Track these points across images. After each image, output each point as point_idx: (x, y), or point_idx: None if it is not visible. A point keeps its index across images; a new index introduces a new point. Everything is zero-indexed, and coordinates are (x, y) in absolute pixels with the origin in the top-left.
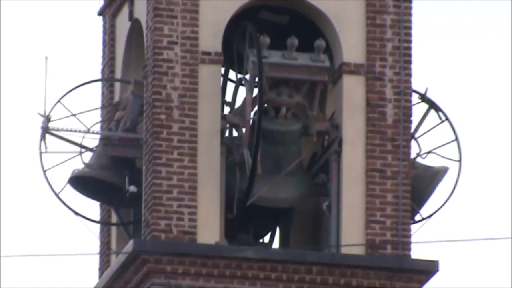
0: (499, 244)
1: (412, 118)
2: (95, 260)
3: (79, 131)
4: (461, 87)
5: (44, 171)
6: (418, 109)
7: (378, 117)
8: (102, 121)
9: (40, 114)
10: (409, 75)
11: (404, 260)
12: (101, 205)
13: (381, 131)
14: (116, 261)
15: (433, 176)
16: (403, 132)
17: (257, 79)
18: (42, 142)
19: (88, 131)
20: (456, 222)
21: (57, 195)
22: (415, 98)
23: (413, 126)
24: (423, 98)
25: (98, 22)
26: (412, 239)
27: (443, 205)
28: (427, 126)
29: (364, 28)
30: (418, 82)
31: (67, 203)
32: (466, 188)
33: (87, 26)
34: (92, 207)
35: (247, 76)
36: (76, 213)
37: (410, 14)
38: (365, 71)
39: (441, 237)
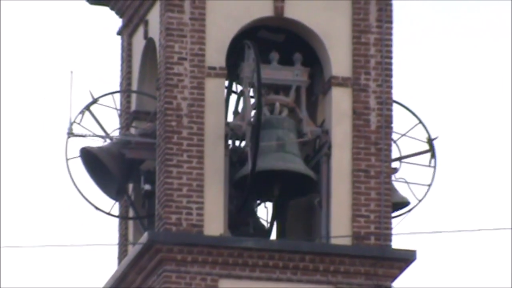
0: (471, 235)
1: (393, 125)
2: (114, 250)
3: (100, 136)
4: (436, 96)
5: (70, 174)
6: (397, 116)
7: (363, 124)
8: (120, 127)
9: (67, 125)
10: (390, 87)
11: (386, 250)
12: (120, 202)
13: (365, 136)
14: (132, 250)
15: (394, 203)
16: (385, 137)
17: (256, 82)
18: (68, 147)
19: (107, 136)
20: (432, 216)
21: (83, 196)
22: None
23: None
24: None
25: (117, 41)
26: (393, 231)
27: (420, 201)
28: (404, 130)
29: (351, 45)
30: (397, 93)
31: (91, 201)
32: (441, 185)
33: (108, 44)
34: (111, 204)
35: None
36: (98, 209)
37: (391, 34)
38: (351, 84)
39: (418, 229)
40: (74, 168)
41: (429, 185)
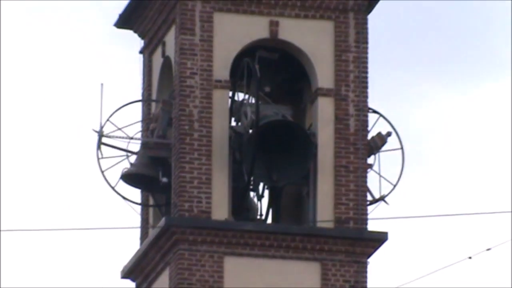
0: (434, 220)
1: (368, 128)
2: (137, 232)
3: (124, 138)
4: (405, 103)
5: (102, 172)
6: (372, 121)
7: (343, 127)
8: (142, 131)
9: (94, 130)
10: (366, 97)
11: (362, 232)
12: (141, 192)
13: (345, 138)
14: (152, 232)
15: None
16: (362, 138)
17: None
18: (99, 150)
19: (131, 139)
20: (402, 203)
21: (113, 188)
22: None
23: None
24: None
25: (140, 58)
26: (368, 216)
27: (391, 191)
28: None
29: (333, 62)
30: (372, 102)
31: (119, 192)
32: (411, 175)
33: (132, 61)
34: (135, 194)
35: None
36: (125, 198)
37: (367, 52)
38: (334, 94)
39: (390, 214)
40: (104, 166)
41: (402, 164)
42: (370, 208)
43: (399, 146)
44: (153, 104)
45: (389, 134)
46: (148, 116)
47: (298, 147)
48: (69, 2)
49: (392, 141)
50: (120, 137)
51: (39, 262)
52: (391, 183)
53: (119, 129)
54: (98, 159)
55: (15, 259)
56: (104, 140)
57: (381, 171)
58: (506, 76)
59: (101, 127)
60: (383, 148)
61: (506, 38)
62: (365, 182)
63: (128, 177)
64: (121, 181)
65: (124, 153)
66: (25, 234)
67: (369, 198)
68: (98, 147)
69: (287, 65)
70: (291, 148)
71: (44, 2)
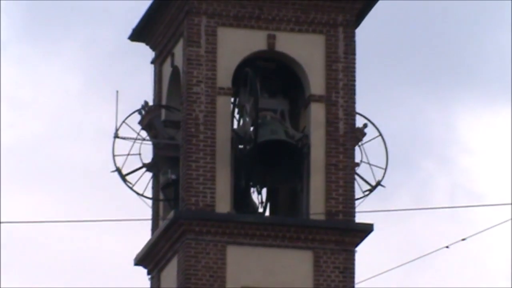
0: (415, 213)
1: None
2: (149, 224)
3: (137, 139)
4: (387, 105)
5: (118, 168)
6: (358, 124)
7: (333, 130)
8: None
9: (114, 130)
10: (354, 103)
11: (350, 223)
12: (153, 188)
13: (335, 139)
14: (162, 224)
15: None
16: (350, 140)
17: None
18: (115, 146)
19: (143, 139)
20: (386, 198)
21: (128, 185)
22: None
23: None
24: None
25: (151, 68)
26: (356, 209)
27: (384, 174)
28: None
29: (324, 72)
30: (359, 107)
31: (134, 189)
32: (395, 174)
33: (144, 71)
34: (147, 190)
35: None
36: (138, 194)
37: (354, 63)
38: (325, 100)
39: (375, 208)
40: (120, 163)
41: (385, 169)
42: (357, 202)
43: (378, 134)
44: (163, 110)
45: (365, 125)
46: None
47: (289, 157)
48: (89, 18)
49: (371, 132)
50: (133, 138)
51: (62, 250)
52: (382, 168)
53: (136, 133)
54: (114, 156)
55: (43, 249)
56: (117, 142)
57: (370, 160)
58: (480, 89)
59: (117, 130)
60: (365, 139)
61: (478, 54)
62: (353, 179)
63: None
64: (132, 176)
65: (137, 151)
66: (54, 226)
67: (368, 187)
68: (113, 145)
69: (283, 73)
70: (283, 157)
71: (68, 20)
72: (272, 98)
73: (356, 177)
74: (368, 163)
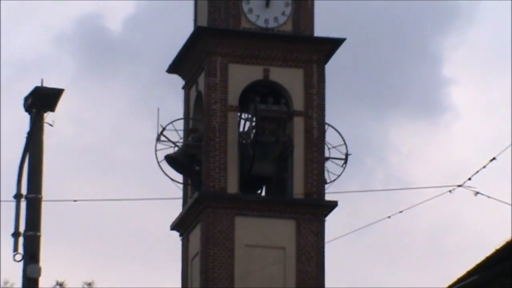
0: (378, 193)
1: (325, 136)
2: (180, 201)
3: (172, 142)
4: (355, 119)
5: (159, 163)
6: (328, 131)
7: (309, 135)
8: (184, 137)
9: (156, 135)
10: (324, 116)
11: (322, 200)
12: (183, 177)
13: (311, 142)
14: (190, 201)
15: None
16: (321, 142)
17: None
18: (157, 147)
19: (176, 142)
20: (342, 185)
21: (165, 173)
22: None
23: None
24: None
25: (182, 92)
26: (326, 191)
27: (346, 146)
28: (330, 139)
29: (303, 94)
30: (328, 119)
31: (169, 175)
32: (353, 171)
33: (177, 95)
34: (179, 177)
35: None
36: (173, 180)
37: (324, 88)
38: (304, 114)
39: (339, 190)
40: (160, 159)
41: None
42: (326, 186)
43: (340, 137)
44: (191, 121)
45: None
46: (188, 128)
47: (279, 155)
48: (134, 55)
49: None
50: (170, 141)
51: (121, 220)
52: (344, 143)
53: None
54: (156, 151)
55: (106, 221)
56: (159, 145)
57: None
58: (406, 107)
59: (158, 135)
60: (331, 142)
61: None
62: (323, 170)
63: (170, 161)
64: (166, 165)
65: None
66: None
67: (341, 163)
68: (156, 145)
69: (275, 94)
70: (274, 156)
71: (119, 59)
72: (275, 106)
73: (330, 161)
74: (333, 146)
